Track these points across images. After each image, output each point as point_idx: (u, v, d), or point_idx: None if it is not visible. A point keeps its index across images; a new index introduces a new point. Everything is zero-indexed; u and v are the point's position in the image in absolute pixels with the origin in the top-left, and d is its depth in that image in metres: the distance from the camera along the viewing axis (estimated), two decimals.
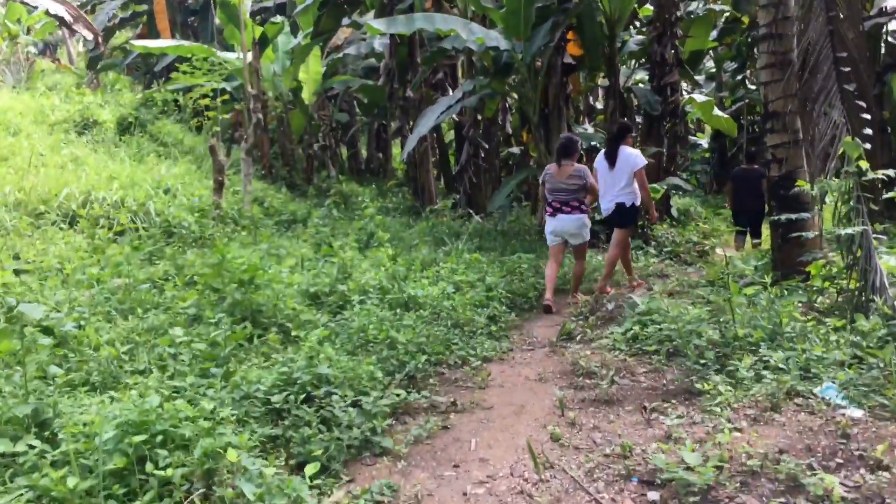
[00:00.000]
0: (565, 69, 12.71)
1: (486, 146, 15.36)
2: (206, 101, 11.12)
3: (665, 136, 13.70)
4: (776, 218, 7.91)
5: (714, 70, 20.51)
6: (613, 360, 5.71)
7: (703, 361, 5.35)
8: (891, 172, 6.21)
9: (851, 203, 6.14)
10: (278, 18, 17.32)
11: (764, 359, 5.22)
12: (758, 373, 5.05)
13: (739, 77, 19.11)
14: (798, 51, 6.99)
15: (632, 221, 8.31)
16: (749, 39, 18.24)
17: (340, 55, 17.51)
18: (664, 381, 5.28)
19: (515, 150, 16.01)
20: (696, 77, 16.66)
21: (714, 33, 15.13)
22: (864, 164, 6.13)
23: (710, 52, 17.15)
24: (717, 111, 15.89)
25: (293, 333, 5.51)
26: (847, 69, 6.34)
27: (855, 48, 6.44)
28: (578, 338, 6.65)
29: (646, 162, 8.21)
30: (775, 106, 7.77)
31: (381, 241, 8.72)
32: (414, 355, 5.41)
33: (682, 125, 14.18)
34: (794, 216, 6.98)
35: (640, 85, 14.44)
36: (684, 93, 14.80)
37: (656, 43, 13.37)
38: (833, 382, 4.87)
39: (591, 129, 15.91)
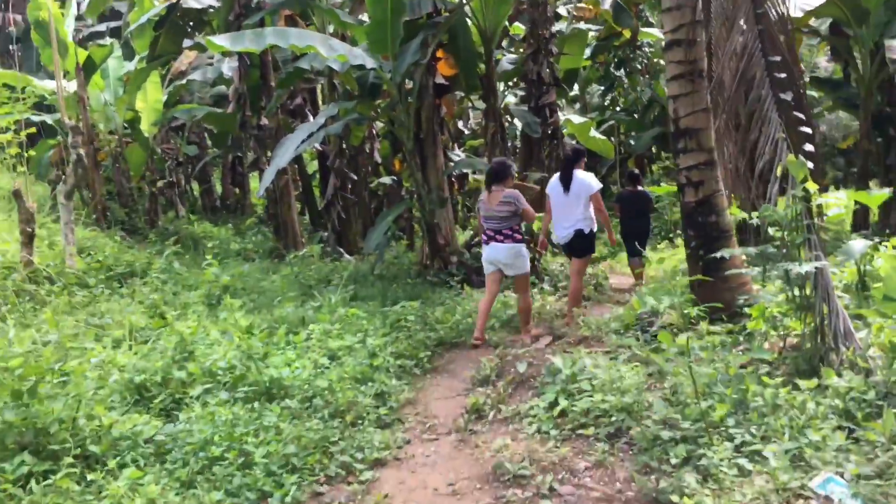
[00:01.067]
0: (438, 90, 11.48)
1: (355, 177, 13.88)
2: (8, 136, 9.03)
3: (546, 159, 12.73)
4: (696, 250, 6.91)
5: (578, 92, 20.03)
6: (544, 454, 4.37)
7: (659, 451, 4.11)
8: (841, 195, 5.26)
9: (802, 233, 5.13)
10: (108, 41, 15.19)
11: (739, 443, 4.04)
12: (738, 466, 3.85)
13: (609, 98, 18.68)
14: (724, 58, 5.99)
15: (591, 249, 8.07)
16: (615, 59, 17.84)
17: (184, 81, 15.56)
18: (618, 485, 3.98)
19: (387, 179, 14.63)
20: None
21: (587, 51, 14.48)
22: (811, 187, 5.15)
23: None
24: (593, 132, 15.22)
25: (104, 461, 3.81)
26: (782, 75, 5.38)
27: (787, 52, 5.50)
28: (491, 415, 5.29)
29: (601, 186, 7.94)
30: (687, 122, 6.78)
31: (231, 308, 7.00)
32: (279, 478, 3.84)
33: (561, 147, 13.27)
34: (722, 254, 5.92)
35: (518, 106, 13.45)
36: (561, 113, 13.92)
37: (531, 61, 12.42)
38: (834, 474, 3.74)
39: (462, 155, 14.83)
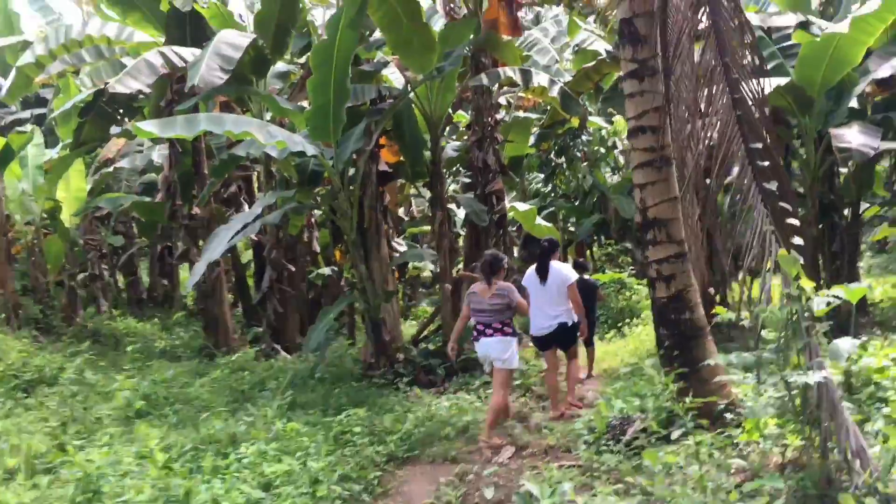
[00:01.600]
0: (381, 178, 10.93)
1: (292, 268, 13.07)
2: None
3: (494, 247, 12.19)
4: (670, 350, 6.33)
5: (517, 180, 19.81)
6: None
7: None
8: (839, 292, 4.77)
9: (800, 336, 4.58)
10: (30, 128, 14.30)
11: None
12: None
13: (549, 187, 18.50)
14: (702, 141, 5.56)
15: (575, 339, 8.07)
16: (556, 147, 17.72)
17: (111, 169, 14.69)
18: None
19: (326, 270, 13.87)
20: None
21: (531, 139, 14.25)
22: (807, 285, 4.64)
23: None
24: (539, 220, 14.85)
25: None
26: (765, 163, 4.95)
27: (767, 136, 5.09)
28: None
29: (577, 276, 8.09)
30: (656, 212, 6.30)
31: (147, 436, 6.01)
32: None
33: (507, 236, 12.81)
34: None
35: (463, 193, 13.00)
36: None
37: (476, 149, 12.04)
38: None
39: (404, 244, 14.25)
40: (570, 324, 7.73)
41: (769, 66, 10.32)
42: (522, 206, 14.26)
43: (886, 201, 13.24)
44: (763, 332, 4.78)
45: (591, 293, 10.48)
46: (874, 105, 11.27)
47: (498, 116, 12.26)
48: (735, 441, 5.52)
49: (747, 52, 5.21)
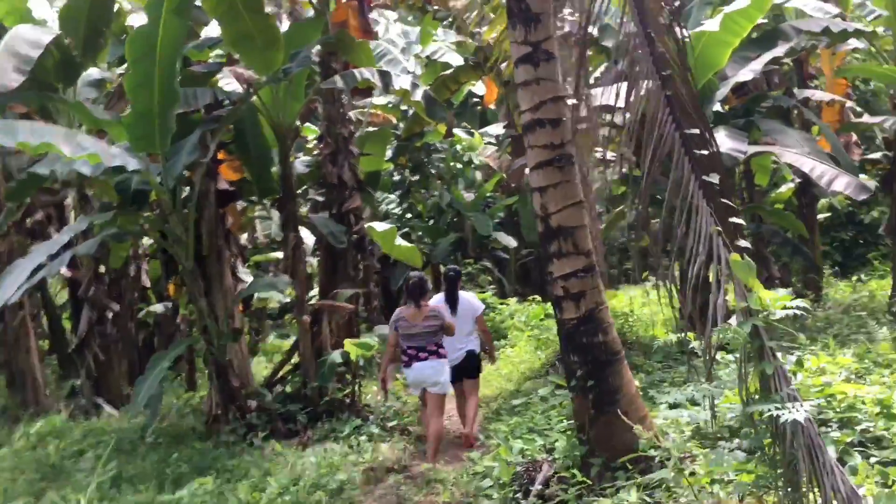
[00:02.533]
0: (221, 197, 9.45)
1: (117, 307, 11.17)
2: None
3: (353, 272, 10.99)
4: (583, 380, 5.40)
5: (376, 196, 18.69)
6: None
7: None
8: (802, 303, 3.98)
9: (763, 361, 3.75)
10: None
11: None
12: None
13: (403, 206, 17.47)
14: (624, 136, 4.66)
15: (480, 368, 7.84)
16: (410, 164, 16.78)
17: None
18: None
19: (159, 307, 12.05)
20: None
21: (389, 152, 13.19)
22: (767, 296, 3.83)
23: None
24: (399, 240, 13.78)
25: None
26: (704, 152, 4.12)
27: (701, 122, 4.28)
28: None
29: (483, 306, 8.12)
30: (560, 219, 5.38)
31: None
32: None
33: (368, 259, 11.63)
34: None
35: (316, 214, 11.66)
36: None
37: (330, 163, 10.79)
38: None
39: (250, 276, 12.67)
40: (477, 351, 7.63)
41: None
42: (381, 226, 13.13)
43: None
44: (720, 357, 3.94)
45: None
46: (734, 110, 11.13)
47: (352, 128, 11.08)
48: (669, 486, 4.66)
49: (671, 20, 4.39)
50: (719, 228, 3.91)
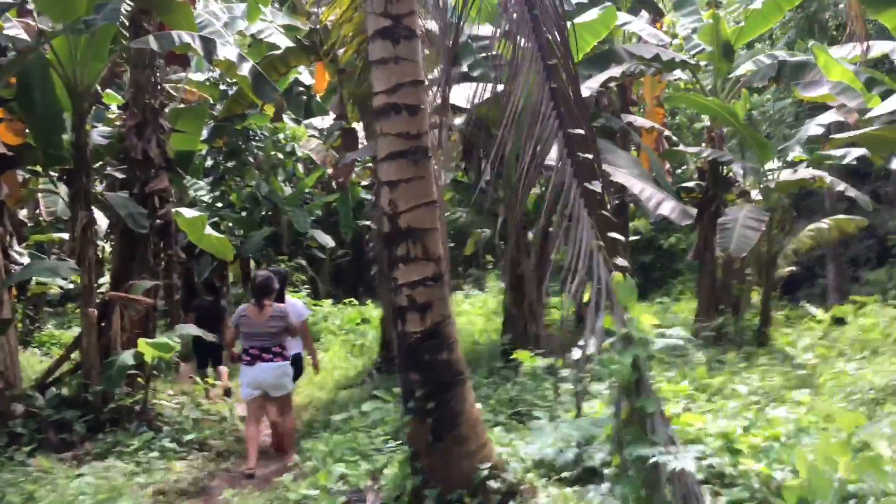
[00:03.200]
0: None
1: None
2: None
3: (154, 261, 9.72)
4: (422, 402, 4.78)
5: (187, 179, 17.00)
6: None
7: None
8: (680, 332, 3.61)
9: (642, 396, 3.32)
10: None
11: None
12: None
13: (217, 193, 16.04)
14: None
15: (301, 373, 7.83)
16: (226, 149, 15.44)
17: None
18: None
19: None
20: None
21: (204, 132, 11.85)
22: (647, 321, 3.42)
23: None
24: (208, 230, 12.53)
25: None
26: (587, 156, 3.65)
27: (584, 121, 3.81)
28: None
29: (309, 312, 8.23)
30: (410, 220, 4.74)
31: None
32: None
33: (173, 248, 10.38)
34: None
35: (114, 192, 10.17)
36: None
37: (135, 136, 9.46)
38: None
39: (27, 257, 10.83)
40: (302, 355, 7.53)
41: (475, 74, 9.48)
42: (189, 213, 11.82)
43: None
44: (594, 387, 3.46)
45: (219, 316, 10.00)
46: None
47: (163, 100, 9.80)
48: None
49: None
50: (601, 243, 3.44)
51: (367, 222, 22.68)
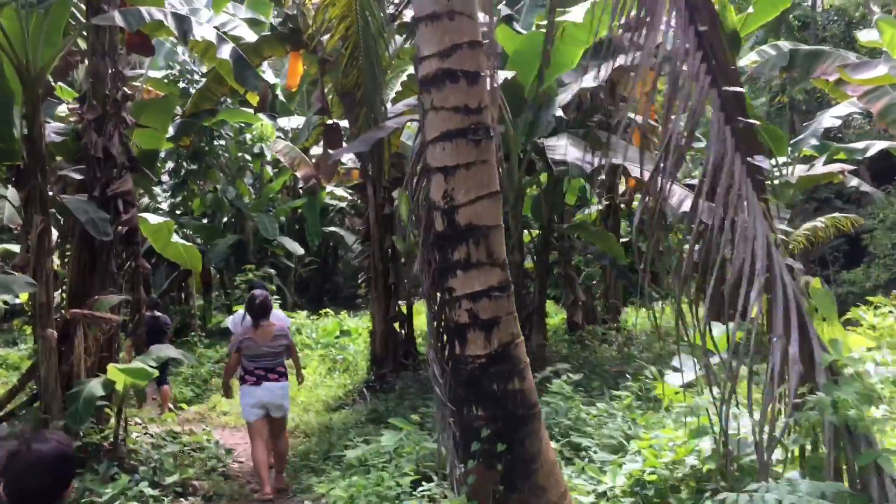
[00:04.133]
0: None
1: None
2: None
3: (118, 273, 8.51)
4: (491, 442, 3.79)
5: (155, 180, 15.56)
6: None
7: None
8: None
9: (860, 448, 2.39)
10: None
11: None
12: None
13: (179, 198, 14.72)
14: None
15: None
16: (190, 150, 14.15)
17: None
18: None
19: None
20: None
21: (172, 130, 10.58)
22: (857, 343, 2.50)
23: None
24: (176, 238, 11.34)
25: None
26: (751, 121, 2.72)
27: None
28: None
29: (289, 322, 7.99)
30: (471, 214, 3.76)
31: None
32: None
33: (137, 258, 9.18)
34: None
35: (70, 196, 8.90)
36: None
37: (94, 132, 8.24)
38: None
39: None
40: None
41: None
42: (153, 218, 10.63)
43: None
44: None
45: (164, 331, 9.88)
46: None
47: (126, 90, 8.61)
48: None
49: None
50: (781, 236, 2.52)
51: (333, 228, 21.72)
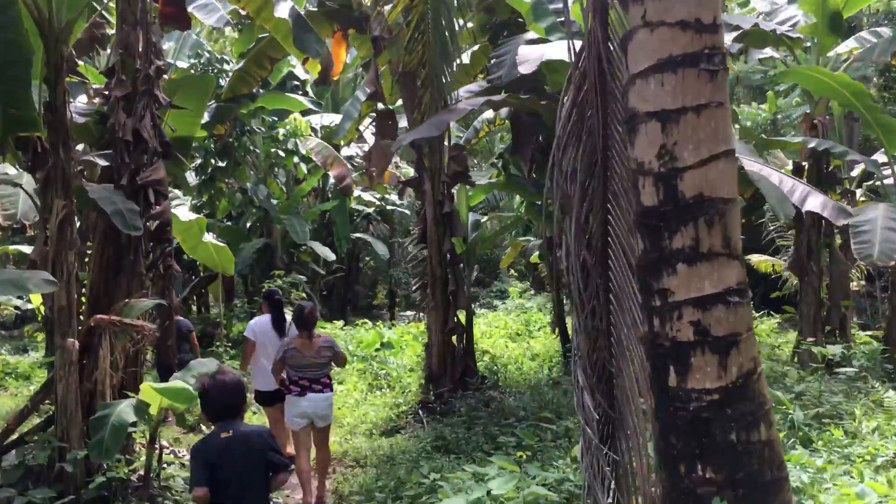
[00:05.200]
0: None
1: None
2: None
3: (149, 273, 7.35)
4: None
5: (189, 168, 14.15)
6: None
7: None
8: None
9: None
10: None
11: None
12: None
13: (203, 198, 13.45)
14: None
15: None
16: (215, 146, 12.96)
17: None
18: None
19: None
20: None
21: (207, 116, 9.32)
22: None
23: None
24: (209, 237, 10.17)
25: None
26: None
27: None
28: None
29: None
30: (702, 184, 2.53)
31: None
32: None
33: (168, 258, 8.00)
34: None
35: (95, 183, 7.70)
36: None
37: (123, 111, 7.12)
38: None
39: None
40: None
41: None
42: (185, 215, 9.46)
43: None
44: None
45: (183, 339, 8.62)
46: None
47: (161, 64, 7.46)
48: None
49: None
50: None
51: (360, 234, 20.55)
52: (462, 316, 9.15)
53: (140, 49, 7.38)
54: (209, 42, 15.29)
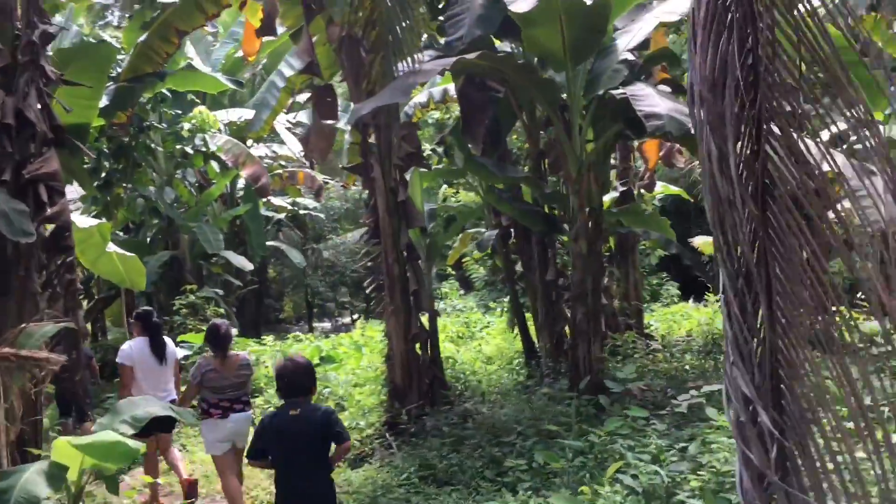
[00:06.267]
0: None
1: None
2: None
3: (46, 293, 5.91)
4: None
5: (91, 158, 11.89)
6: None
7: None
8: None
9: None
10: None
11: None
12: None
13: (99, 206, 11.61)
14: None
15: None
16: (111, 147, 11.20)
17: None
18: None
19: None
20: None
21: (105, 99, 7.52)
22: None
23: None
24: (114, 247, 8.56)
25: None
26: None
27: None
28: None
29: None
30: None
31: None
32: None
33: (68, 269, 6.51)
34: None
35: None
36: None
37: (2, 88, 5.71)
38: None
39: None
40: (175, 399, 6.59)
41: None
42: (83, 221, 7.82)
43: None
44: None
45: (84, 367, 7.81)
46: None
47: (47, 26, 5.97)
48: None
49: None
50: None
51: (274, 242, 18.96)
52: (425, 320, 8.00)
53: (19, 9, 5.97)
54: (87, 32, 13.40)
